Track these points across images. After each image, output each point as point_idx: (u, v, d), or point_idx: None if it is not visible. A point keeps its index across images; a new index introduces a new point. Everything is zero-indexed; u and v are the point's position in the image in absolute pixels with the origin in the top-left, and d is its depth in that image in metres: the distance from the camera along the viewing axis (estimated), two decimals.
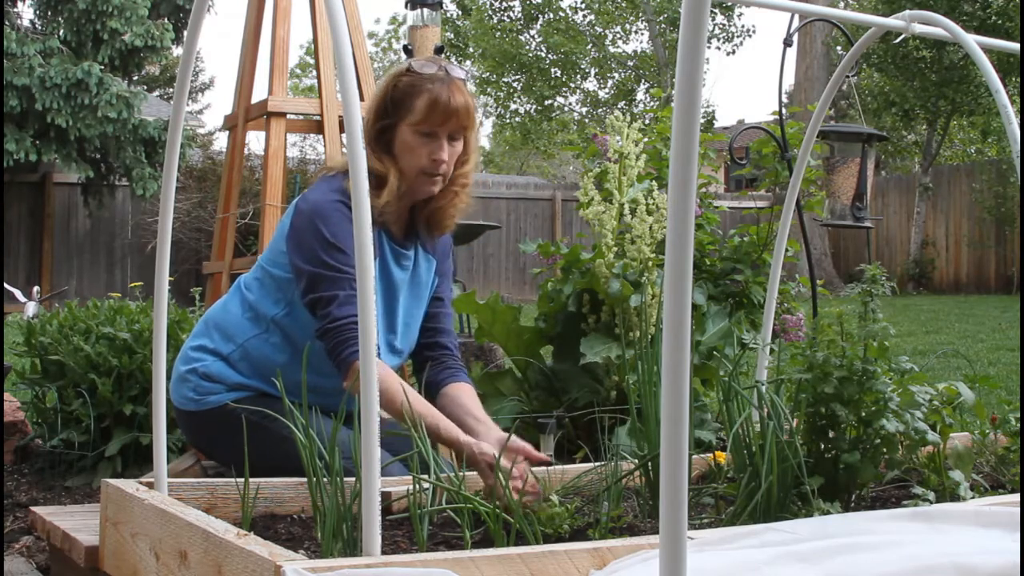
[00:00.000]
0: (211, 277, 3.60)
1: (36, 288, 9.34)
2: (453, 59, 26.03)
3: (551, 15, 24.94)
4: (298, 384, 2.01)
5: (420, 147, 2.42)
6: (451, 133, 2.44)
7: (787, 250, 3.41)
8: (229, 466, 2.27)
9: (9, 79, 11.78)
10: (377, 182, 2.39)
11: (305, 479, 1.87)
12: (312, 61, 31.01)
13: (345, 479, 1.81)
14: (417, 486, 1.89)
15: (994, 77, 2.49)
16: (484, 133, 40.17)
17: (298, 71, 35.21)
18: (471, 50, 25.62)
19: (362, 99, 3.32)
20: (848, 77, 3.12)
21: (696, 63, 1.01)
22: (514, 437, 2.18)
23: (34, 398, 3.35)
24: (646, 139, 3.95)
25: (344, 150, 2.73)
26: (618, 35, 25.84)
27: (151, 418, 2.13)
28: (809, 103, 5.62)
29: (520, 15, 25.06)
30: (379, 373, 2.26)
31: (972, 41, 2.55)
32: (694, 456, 2.43)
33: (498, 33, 24.79)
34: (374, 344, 1.54)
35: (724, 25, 24.96)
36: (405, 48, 3.85)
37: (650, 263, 3.46)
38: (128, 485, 2.04)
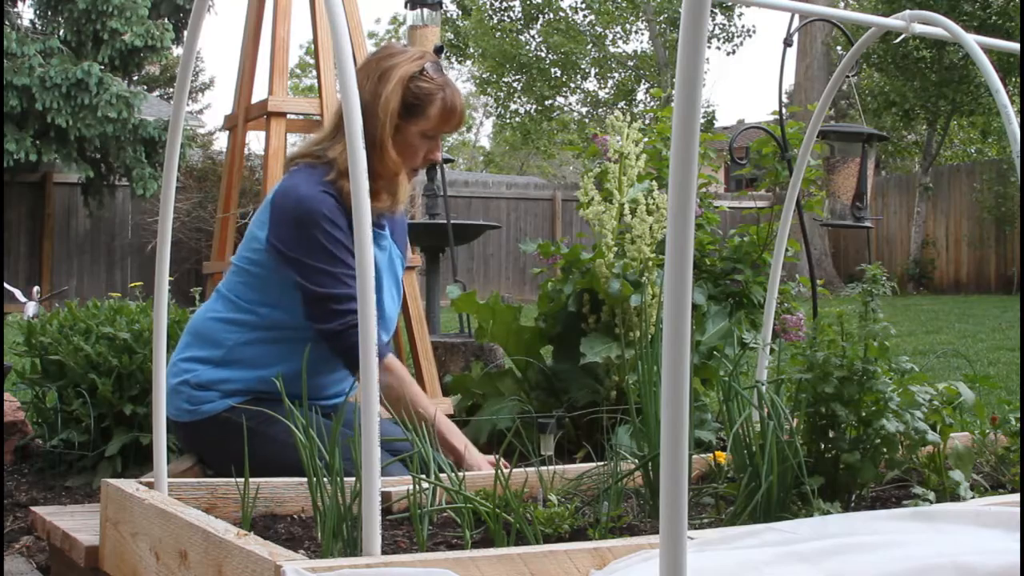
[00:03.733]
0: (211, 277, 3.60)
1: (36, 288, 9.33)
2: (453, 59, 26.04)
3: (551, 15, 24.93)
4: (288, 385, 2.02)
5: (421, 148, 2.48)
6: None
7: (787, 250, 3.41)
8: (229, 473, 2.27)
9: (9, 79, 11.78)
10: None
11: (305, 479, 1.87)
12: (312, 61, 31.01)
13: (345, 479, 1.81)
14: (417, 486, 1.89)
15: (994, 77, 2.49)
16: (484, 133, 40.15)
17: (298, 71, 35.22)
18: (471, 50, 25.61)
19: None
20: (848, 77, 3.12)
21: (696, 63, 1.01)
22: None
23: (34, 398, 3.34)
24: (646, 139, 3.95)
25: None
26: (618, 35, 25.84)
27: (151, 418, 2.12)
28: (809, 103, 5.62)
29: (520, 15, 25.05)
30: (400, 374, 2.32)
31: (972, 41, 2.55)
32: (694, 456, 2.43)
33: (498, 33, 24.79)
34: (374, 343, 1.54)
35: (724, 25, 24.96)
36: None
37: (650, 263, 3.46)
38: (128, 485, 2.04)
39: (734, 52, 26.62)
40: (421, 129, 2.44)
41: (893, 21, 2.72)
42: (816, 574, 1.52)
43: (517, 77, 25.18)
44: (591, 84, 26.17)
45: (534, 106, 25.58)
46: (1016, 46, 2.80)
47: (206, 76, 35.70)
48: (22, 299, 8.95)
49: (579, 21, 25.24)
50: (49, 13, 13.14)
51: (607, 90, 25.90)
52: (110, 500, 2.06)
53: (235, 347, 2.44)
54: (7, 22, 12.46)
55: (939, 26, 2.63)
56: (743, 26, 30.01)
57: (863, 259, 16.11)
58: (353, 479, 1.78)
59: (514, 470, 2.16)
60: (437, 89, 2.44)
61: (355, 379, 2.41)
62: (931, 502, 2.06)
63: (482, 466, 2.40)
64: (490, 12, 25.13)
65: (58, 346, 3.19)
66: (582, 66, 25.21)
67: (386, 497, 2.06)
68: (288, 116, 3.41)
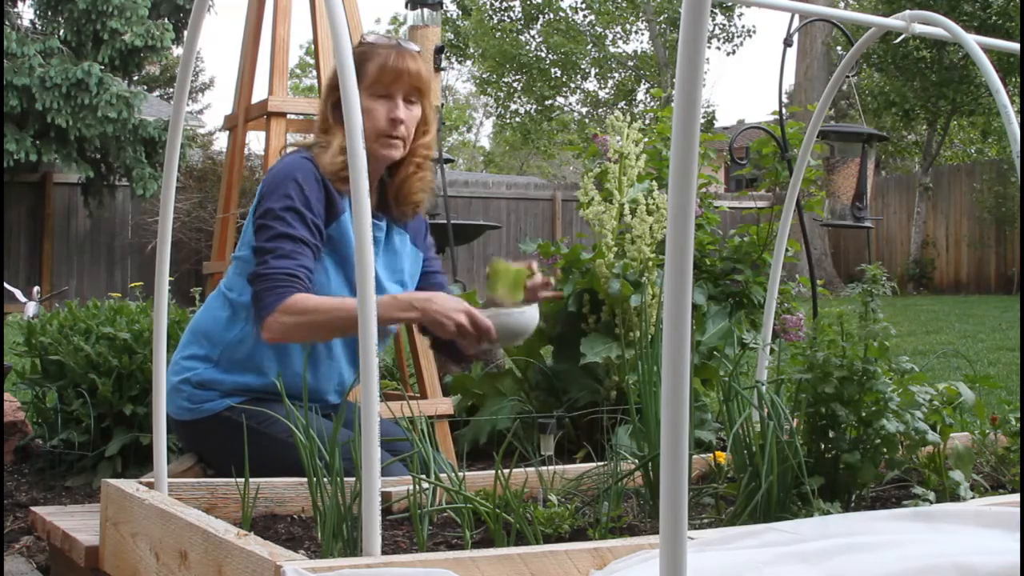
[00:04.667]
0: (211, 277, 3.60)
1: (36, 288, 9.33)
2: (453, 59, 26.04)
3: (551, 15, 24.93)
4: (288, 385, 2.01)
5: (376, 109, 2.44)
6: (405, 95, 2.46)
7: (787, 250, 3.41)
8: (229, 472, 2.28)
9: (9, 79, 11.78)
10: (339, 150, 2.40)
11: (305, 479, 1.87)
12: (312, 61, 31.01)
13: (345, 479, 1.81)
14: (417, 486, 1.89)
15: (994, 77, 2.49)
16: (484, 133, 40.15)
17: (298, 71, 35.23)
18: (471, 50, 25.61)
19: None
20: (848, 77, 3.12)
21: (696, 63, 1.01)
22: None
23: (34, 398, 3.35)
24: (646, 139, 3.95)
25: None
26: (618, 35, 25.84)
27: (151, 418, 2.13)
28: (809, 103, 5.62)
29: (520, 15, 25.05)
30: (302, 303, 2.26)
31: (972, 41, 2.55)
32: (694, 456, 2.43)
33: (498, 33, 24.78)
34: (375, 343, 1.54)
35: (724, 25, 24.96)
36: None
37: (650, 263, 3.46)
38: (128, 485, 2.05)
39: (734, 52, 26.66)
40: (365, 87, 2.42)
41: (893, 21, 2.72)
42: (817, 574, 1.52)
43: (517, 77, 25.19)
44: (591, 84, 26.20)
45: (534, 106, 25.58)
46: (1016, 46, 2.81)
47: (206, 76, 35.70)
48: (22, 299, 8.95)
49: (579, 21, 25.25)
50: (49, 13, 13.13)
51: (607, 90, 25.91)
52: (110, 500, 2.06)
53: (232, 344, 2.44)
54: (7, 22, 12.46)
55: (939, 26, 2.63)
56: (743, 26, 30.03)
57: (863, 259, 16.11)
58: (353, 479, 1.78)
59: (514, 470, 2.16)
60: (374, 49, 2.45)
61: (255, 329, 2.35)
62: (931, 502, 2.06)
63: (451, 315, 2.25)
64: (490, 12, 25.13)
65: (58, 346, 3.19)
66: (582, 66, 25.21)
67: (386, 497, 2.06)
68: (288, 116, 3.41)
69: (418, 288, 2.64)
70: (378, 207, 2.55)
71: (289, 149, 2.63)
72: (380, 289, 2.51)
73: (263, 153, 3.43)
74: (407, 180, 2.56)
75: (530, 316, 2.31)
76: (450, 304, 2.26)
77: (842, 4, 21.36)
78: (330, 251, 2.41)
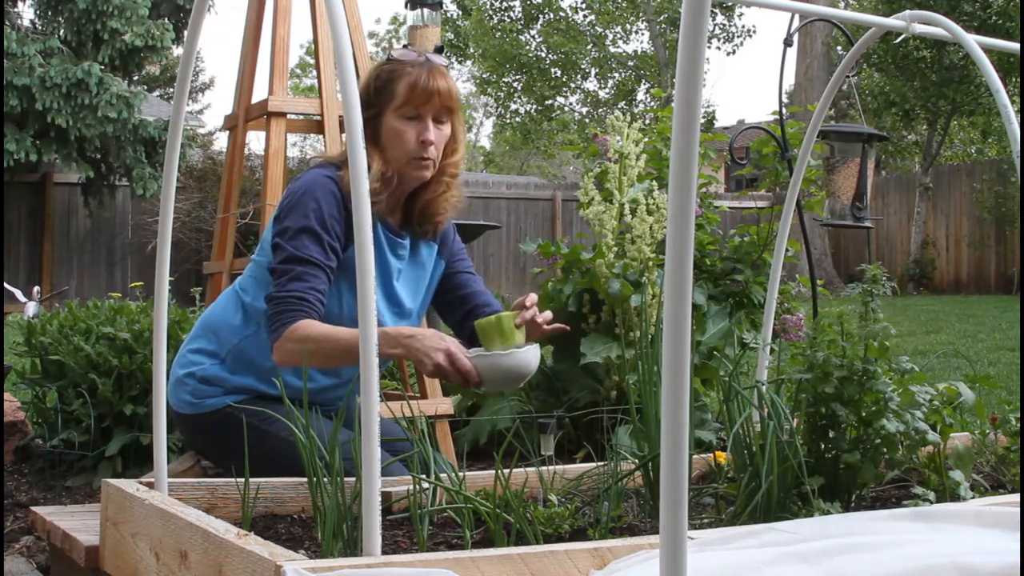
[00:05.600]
0: (211, 277, 3.60)
1: (36, 288, 9.33)
2: (453, 59, 26.01)
3: (551, 15, 24.92)
4: (288, 383, 2.01)
5: (407, 131, 2.41)
6: (435, 115, 2.43)
7: (787, 250, 3.41)
8: (228, 468, 2.28)
9: (9, 79, 11.78)
10: None
11: (305, 479, 1.87)
12: (312, 61, 31.01)
13: (345, 479, 1.81)
14: (417, 486, 1.89)
15: (994, 77, 2.49)
16: (484, 133, 40.14)
17: (298, 71, 35.23)
18: (471, 50, 25.60)
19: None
20: (848, 77, 3.12)
21: (696, 63, 1.01)
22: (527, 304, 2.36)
23: (34, 398, 3.35)
24: (646, 139, 3.96)
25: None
26: (618, 35, 25.83)
27: (151, 418, 2.13)
28: (809, 103, 5.62)
29: (520, 15, 25.04)
30: (303, 331, 2.25)
31: (972, 41, 2.55)
32: (694, 456, 2.43)
33: (498, 33, 24.78)
34: (374, 341, 1.54)
35: (724, 25, 24.96)
36: (405, 48, 3.85)
37: (650, 263, 3.46)
38: (128, 485, 2.05)
39: (734, 52, 26.65)
40: (394, 108, 2.40)
41: (893, 21, 2.72)
42: (816, 574, 1.52)
43: (517, 77, 25.18)
44: (591, 84, 26.19)
45: (534, 106, 25.58)
46: (1016, 46, 2.81)
47: (206, 76, 35.71)
48: (22, 299, 8.95)
49: (579, 21, 25.23)
50: (49, 13, 13.13)
51: (607, 90, 25.90)
52: (110, 500, 2.06)
53: (241, 342, 2.44)
54: (7, 22, 12.46)
55: (939, 26, 2.63)
56: (743, 26, 30.01)
57: (863, 259, 16.11)
58: (353, 479, 1.78)
59: (514, 470, 2.16)
60: (403, 67, 2.42)
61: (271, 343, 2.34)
62: (931, 502, 2.06)
63: (430, 355, 2.22)
64: (490, 12, 25.12)
65: (58, 346, 3.19)
66: (582, 66, 25.20)
67: (386, 497, 2.06)
68: (288, 116, 3.41)
69: (447, 288, 2.64)
70: (402, 224, 2.54)
71: (315, 160, 2.61)
72: (391, 297, 2.50)
73: (263, 153, 3.43)
74: (434, 200, 2.52)
75: (522, 358, 2.25)
76: (431, 343, 2.24)
77: (842, 4, 21.35)
78: (348, 274, 2.38)
